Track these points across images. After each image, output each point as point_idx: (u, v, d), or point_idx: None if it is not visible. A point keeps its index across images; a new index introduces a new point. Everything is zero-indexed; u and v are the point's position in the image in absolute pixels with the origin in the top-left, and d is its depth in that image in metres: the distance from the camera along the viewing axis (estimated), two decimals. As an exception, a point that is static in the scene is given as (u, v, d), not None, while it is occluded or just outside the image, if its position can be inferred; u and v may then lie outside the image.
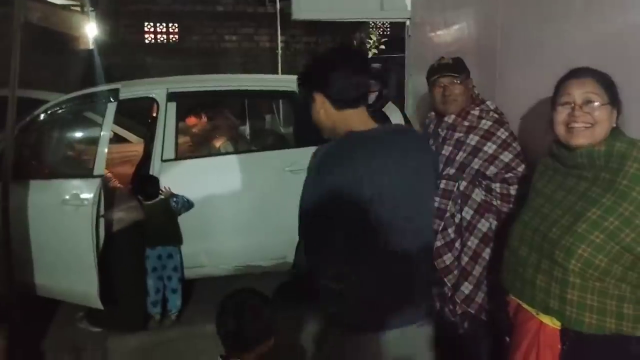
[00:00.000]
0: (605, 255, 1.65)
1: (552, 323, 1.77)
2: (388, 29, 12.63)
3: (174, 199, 3.81)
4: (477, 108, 2.65)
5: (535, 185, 1.97)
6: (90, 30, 11.85)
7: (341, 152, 1.71)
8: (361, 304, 1.73)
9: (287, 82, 4.08)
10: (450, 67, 2.66)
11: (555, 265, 1.72)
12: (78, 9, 12.32)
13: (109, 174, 4.09)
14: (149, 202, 3.81)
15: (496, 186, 2.52)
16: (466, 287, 2.59)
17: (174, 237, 3.86)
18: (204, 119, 4.64)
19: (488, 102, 2.67)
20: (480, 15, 3.13)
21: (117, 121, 5.88)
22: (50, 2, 11.13)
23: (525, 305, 1.86)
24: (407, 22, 4.17)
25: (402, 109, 3.97)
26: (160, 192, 3.80)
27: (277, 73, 9.47)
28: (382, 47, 10.74)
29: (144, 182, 3.88)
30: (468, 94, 2.67)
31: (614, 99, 1.75)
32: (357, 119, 1.81)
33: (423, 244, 1.82)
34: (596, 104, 1.74)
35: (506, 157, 2.53)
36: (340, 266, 1.70)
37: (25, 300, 3.63)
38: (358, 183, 1.64)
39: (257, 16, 12.24)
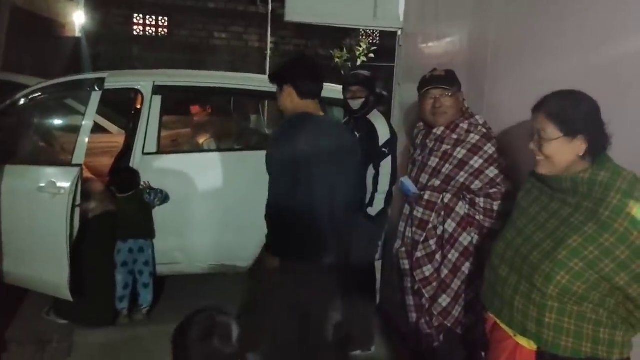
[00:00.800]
0: (583, 282, 1.66)
1: (528, 345, 1.78)
2: (378, 38, 12.66)
3: (147, 191, 3.75)
4: (466, 122, 2.65)
5: (520, 203, 1.97)
6: (78, 18, 11.69)
7: (296, 122, 2.50)
8: (288, 238, 2.43)
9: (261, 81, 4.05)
10: (443, 79, 2.66)
11: (534, 289, 1.73)
12: (67, -5, 12.16)
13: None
14: (123, 195, 3.74)
15: (480, 201, 2.53)
16: (444, 300, 2.58)
17: (146, 231, 3.80)
18: (208, 110, 4.56)
19: (477, 117, 2.67)
20: (472, 30, 3.13)
21: (98, 111, 5.83)
22: (38, -14, 10.95)
23: (503, 325, 1.87)
24: (399, 32, 4.16)
25: (388, 117, 3.96)
26: (142, 186, 3.75)
27: (265, 73, 9.42)
28: (372, 55, 10.75)
29: (122, 174, 3.80)
30: (458, 107, 2.67)
31: (570, 129, 1.72)
32: (312, 107, 2.56)
33: (339, 201, 2.49)
34: (545, 139, 1.75)
35: (492, 172, 2.53)
36: (278, 207, 2.42)
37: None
38: (302, 147, 2.39)
39: (248, 15, 12.20)
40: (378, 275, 3.80)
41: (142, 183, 3.77)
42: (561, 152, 1.73)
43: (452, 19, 3.37)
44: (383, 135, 3.39)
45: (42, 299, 3.75)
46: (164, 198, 3.77)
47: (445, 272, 2.58)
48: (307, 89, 2.55)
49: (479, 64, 2.96)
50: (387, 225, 3.65)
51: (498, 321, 1.89)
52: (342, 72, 11.00)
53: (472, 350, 2.62)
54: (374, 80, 3.61)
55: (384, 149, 3.41)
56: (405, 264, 2.76)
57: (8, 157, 3.72)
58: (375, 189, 3.42)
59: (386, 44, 10.84)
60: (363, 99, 3.44)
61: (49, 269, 3.43)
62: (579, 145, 1.71)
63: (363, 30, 11.33)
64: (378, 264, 3.89)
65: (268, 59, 9.64)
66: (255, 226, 3.69)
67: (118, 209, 3.78)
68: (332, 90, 3.92)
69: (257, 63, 10.91)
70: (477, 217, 2.53)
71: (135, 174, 3.78)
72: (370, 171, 3.47)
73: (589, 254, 1.63)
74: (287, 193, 2.38)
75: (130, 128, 4.34)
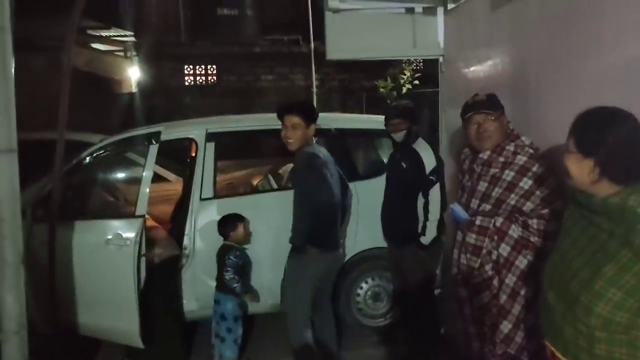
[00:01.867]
0: (626, 311, 1.59)
1: None
2: (421, 64, 12.68)
3: (231, 258, 3.75)
4: (512, 144, 2.64)
5: (565, 223, 1.91)
6: (133, 74, 12.33)
7: (323, 155, 3.48)
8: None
9: (323, 119, 4.14)
10: (484, 103, 2.67)
11: (578, 320, 1.67)
12: (121, 54, 12.86)
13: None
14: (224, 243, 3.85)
15: (533, 222, 2.50)
16: (505, 326, 2.54)
17: (223, 284, 3.78)
18: None
19: (523, 138, 2.66)
20: (512, 52, 3.13)
21: (157, 161, 6.08)
22: (94, 48, 11.65)
23: (559, 354, 1.80)
24: (440, 59, 4.20)
25: (435, 144, 3.97)
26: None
27: (313, 110, 9.57)
28: (416, 82, 10.76)
29: (227, 219, 3.90)
30: (503, 130, 2.67)
31: (583, 148, 1.68)
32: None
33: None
34: (566, 151, 1.74)
35: (542, 192, 2.50)
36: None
37: (70, 340, 3.73)
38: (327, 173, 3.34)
39: (292, 56, 12.52)
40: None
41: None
42: (576, 168, 1.68)
43: (492, 43, 3.39)
44: (429, 163, 3.41)
45: (116, 348, 3.89)
46: (241, 271, 3.80)
47: (504, 297, 2.54)
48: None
49: (522, 85, 2.96)
50: (442, 253, 3.63)
51: (554, 349, 1.82)
52: (388, 102, 11.08)
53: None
54: (414, 109, 3.65)
55: (431, 177, 3.42)
56: (463, 291, 2.74)
57: (77, 213, 3.96)
58: (426, 217, 3.42)
59: (429, 70, 10.87)
60: (405, 131, 3.51)
61: (120, 318, 3.57)
62: (590, 167, 1.65)
63: (406, 59, 11.40)
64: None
65: (315, 96, 9.80)
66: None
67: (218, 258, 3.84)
68: (380, 121, 3.97)
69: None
70: (532, 239, 2.50)
71: (229, 221, 3.87)
72: (420, 200, 3.48)
73: (626, 282, 1.56)
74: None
75: (187, 175, 4.52)
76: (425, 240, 3.42)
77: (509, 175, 2.59)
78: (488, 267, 2.58)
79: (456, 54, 3.97)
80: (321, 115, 3.76)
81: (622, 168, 1.62)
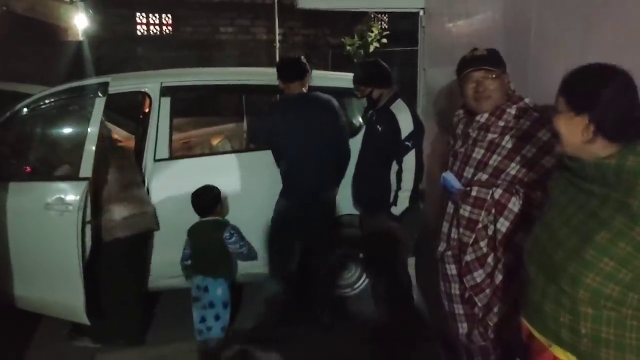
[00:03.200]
0: (617, 283, 1.46)
1: (566, 358, 1.58)
2: (388, 22, 12.25)
3: (231, 232, 3.41)
4: (514, 106, 2.35)
5: (551, 193, 1.75)
6: (79, 22, 11.47)
7: (274, 106, 3.95)
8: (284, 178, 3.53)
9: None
10: (485, 59, 2.36)
11: (562, 293, 1.55)
12: (66, -1, 11.94)
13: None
14: (202, 219, 3.45)
15: (537, 195, 2.22)
16: (500, 309, 2.30)
17: (214, 267, 3.42)
18: None
19: (527, 100, 2.36)
20: (510, 7, 2.82)
21: (105, 116, 5.60)
22: (37, -8, 10.74)
23: (536, 334, 1.66)
24: (421, 12, 3.86)
25: (413, 105, 3.69)
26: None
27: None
28: (384, 40, 10.39)
29: (200, 193, 3.46)
30: (504, 90, 2.37)
31: (575, 104, 1.56)
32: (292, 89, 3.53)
33: (318, 158, 3.47)
34: (556, 113, 1.63)
35: (548, 162, 2.21)
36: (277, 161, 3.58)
37: (5, 314, 3.35)
38: (276, 122, 3.51)
39: (254, 7, 11.88)
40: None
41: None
42: (567, 129, 1.56)
43: (485, -7, 3.06)
44: (405, 127, 3.14)
45: (59, 322, 3.52)
46: (249, 256, 3.50)
47: (500, 277, 2.29)
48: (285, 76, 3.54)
49: (521, 45, 2.65)
50: (418, 225, 3.39)
51: (532, 329, 1.68)
52: (355, 60, 10.68)
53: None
54: (382, 69, 3.36)
55: (406, 143, 3.15)
56: (452, 269, 2.47)
57: (11, 173, 3.50)
58: (398, 187, 3.17)
59: (398, 27, 10.50)
60: (366, 96, 3.35)
61: (63, 292, 3.21)
62: (583, 125, 1.52)
63: (373, 14, 10.95)
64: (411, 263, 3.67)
65: (277, 51, 9.33)
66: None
67: (190, 236, 3.46)
68: (347, 79, 3.66)
69: (266, 56, 10.61)
70: (534, 214, 2.23)
71: (214, 193, 3.47)
72: (394, 167, 3.21)
73: (621, 250, 1.45)
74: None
75: (140, 133, 4.09)
76: (396, 210, 3.18)
77: (509, 141, 2.30)
78: (483, 244, 2.31)
79: (440, 6, 3.65)
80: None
81: (617, 123, 1.50)
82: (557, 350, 1.59)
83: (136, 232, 3.38)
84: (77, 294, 3.17)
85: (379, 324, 3.50)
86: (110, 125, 5.50)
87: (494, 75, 2.33)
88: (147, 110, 3.85)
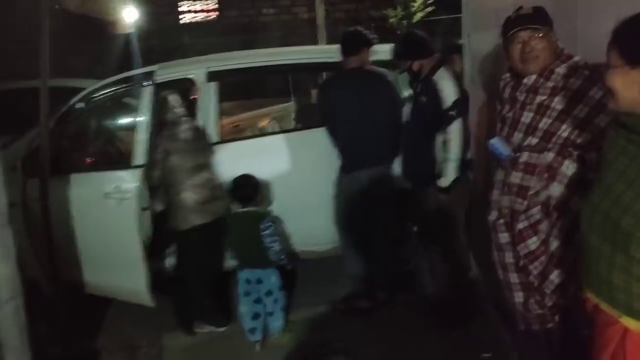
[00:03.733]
0: None
1: (639, 328, 1.47)
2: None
3: (268, 224, 3.25)
4: (564, 65, 2.25)
5: (605, 155, 1.62)
6: (128, 14, 11.73)
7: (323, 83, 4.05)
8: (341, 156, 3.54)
9: (331, 52, 3.76)
10: (531, 17, 2.26)
11: (633, 261, 1.44)
12: (115, -7, 12.22)
13: None
14: (241, 210, 3.33)
15: (591, 156, 2.14)
16: (557, 276, 2.24)
17: (263, 258, 3.28)
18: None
19: (576, 58, 2.26)
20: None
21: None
22: (87, -11, 11.04)
23: (604, 306, 1.56)
24: (464, -24, 3.73)
25: (459, 73, 3.59)
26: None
27: (317, 44, 9.09)
28: (429, 9, 10.11)
29: (238, 184, 3.35)
30: (552, 50, 2.27)
31: (632, 56, 1.46)
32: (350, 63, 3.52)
33: (369, 129, 3.45)
34: (609, 68, 1.53)
35: (602, 120, 2.11)
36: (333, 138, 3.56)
37: (78, 298, 3.52)
38: (328, 97, 3.59)
39: (294, -14, 11.83)
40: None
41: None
42: (622, 84, 1.46)
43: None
44: (449, 96, 3.06)
45: (127, 305, 3.66)
46: (278, 251, 3.27)
47: (555, 243, 2.23)
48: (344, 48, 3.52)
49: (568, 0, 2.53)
50: (469, 195, 3.33)
51: (598, 301, 1.58)
52: (399, 32, 10.46)
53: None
54: (412, 44, 3.31)
55: (450, 112, 3.07)
56: (505, 237, 2.42)
57: (74, 165, 3.66)
58: (444, 158, 3.10)
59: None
60: (407, 69, 3.31)
61: (127, 276, 3.35)
62: None
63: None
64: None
65: (319, 29, 9.25)
66: (326, 207, 3.52)
67: (231, 228, 3.37)
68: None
69: (309, 35, 10.54)
70: (589, 176, 2.15)
71: (253, 183, 3.36)
72: (439, 138, 3.15)
73: None
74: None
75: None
76: (444, 182, 3.12)
77: (559, 102, 2.21)
78: (536, 210, 2.25)
79: (483, -32, 3.51)
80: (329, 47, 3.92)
81: None
82: (629, 322, 1.50)
83: (210, 219, 3.33)
84: (140, 277, 3.31)
85: (436, 297, 3.48)
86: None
87: (541, 34, 2.24)
88: (194, 96, 3.91)
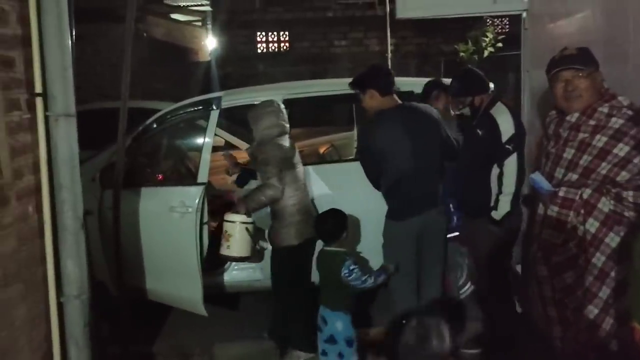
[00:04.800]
0: None
1: None
2: (507, 25, 11.86)
3: (350, 268, 2.93)
4: (607, 105, 2.29)
5: None
6: (208, 43, 12.42)
7: (371, 123, 3.30)
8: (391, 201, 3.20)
9: (400, 84, 3.87)
10: (574, 58, 2.33)
11: None
12: (199, 23, 12.97)
13: None
14: (326, 249, 3.10)
15: (629, 194, 2.17)
16: (591, 311, 2.25)
17: (333, 299, 3.02)
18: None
19: (620, 98, 2.30)
20: (609, 2, 2.74)
21: (228, 128, 6.04)
22: (173, 18, 11.82)
23: None
24: (524, 14, 3.81)
25: (517, 108, 3.64)
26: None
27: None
28: (499, 44, 10.09)
29: (322, 219, 3.17)
30: (595, 89, 2.33)
31: None
32: (387, 103, 3.16)
33: (423, 170, 3.13)
34: None
35: (642, 160, 2.15)
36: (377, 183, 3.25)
37: (140, 303, 3.73)
38: (373, 139, 3.17)
39: (366, 20, 12.11)
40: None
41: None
42: None
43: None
44: (506, 130, 3.10)
45: (184, 313, 3.83)
46: (373, 283, 3.00)
47: (590, 279, 2.24)
48: (384, 88, 3.16)
49: (620, 40, 2.58)
50: (520, 227, 3.33)
51: None
52: (469, 66, 10.41)
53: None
54: (472, 81, 3.34)
55: (507, 146, 3.12)
56: (543, 270, 2.46)
57: (145, 179, 3.97)
58: (500, 190, 3.13)
59: (515, 31, 10.13)
60: (468, 105, 3.28)
61: (184, 285, 3.55)
62: None
63: (488, 18, 10.69)
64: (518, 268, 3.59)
65: (389, 61, 9.42)
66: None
67: (317, 264, 3.18)
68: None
69: (380, 67, 10.77)
70: (627, 214, 2.17)
71: (338, 219, 3.11)
72: (495, 170, 3.20)
73: None
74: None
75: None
76: (497, 215, 3.13)
77: (600, 140, 2.26)
78: (573, 244, 2.29)
79: (542, 7, 3.59)
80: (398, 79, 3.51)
81: None
82: None
83: (304, 240, 3.28)
84: (196, 287, 3.51)
85: (483, 328, 3.47)
86: (229, 137, 5.98)
87: (583, 74, 2.30)
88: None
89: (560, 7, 3.28)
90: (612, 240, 2.19)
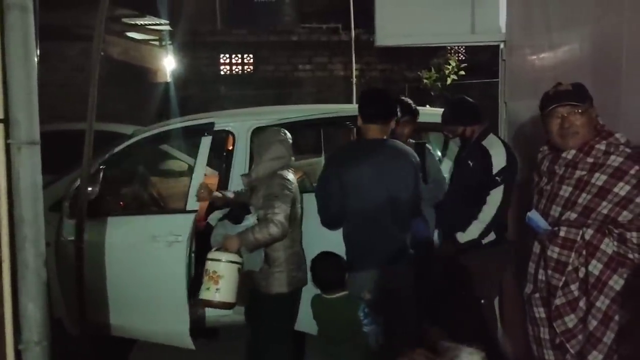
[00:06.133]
0: None
1: None
2: (465, 54, 12.13)
3: (365, 311, 2.80)
4: (604, 142, 2.24)
5: None
6: (168, 63, 12.16)
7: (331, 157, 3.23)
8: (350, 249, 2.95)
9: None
10: (570, 94, 2.28)
11: None
12: (157, 43, 12.70)
13: None
14: (329, 297, 2.92)
15: (632, 235, 2.11)
16: (595, 357, 2.16)
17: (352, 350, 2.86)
18: None
19: (617, 135, 2.25)
20: (597, 35, 2.73)
21: (189, 152, 5.86)
22: (130, 37, 11.52)
23: None
24: (502, 45, 3.80)
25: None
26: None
27: (352, 102, 9.26)
28: (462, 72, 10.29)
29: (323, 267, 2.96)
30: (591, 125, 2.28)
31: None
32: (368, 132, 2.95)
33: (389, 214, 2.87)
34: None
35: (644, 200, 2.10)
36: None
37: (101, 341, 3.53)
38: (335, 175, 2.90)
39: (331, 45, 12.15)
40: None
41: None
42: None
43: (570, 25, 2.98)
44: (498, 163, 3.05)
45: (147, 349, 3.66)
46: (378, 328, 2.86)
47: (594, 323, 2.16)
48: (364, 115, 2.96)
49: (610, 72, 2.55)
50: (507, 262, 3.26)
51: None
52: (432, 93, 10.60)
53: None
54: (471, 106, 3.30)
55: (497, 177, 3.06)
56: (541, 312, 2.37)
57: (112, 208, 3.75)
58: (475, 216, 3.06)
59: (476, 59, 10.37)
60: (459, 135, 3.25)
61: (169, 318, 3.34)
62: None
63: (450, 47, 10.90)
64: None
65: (354, 87, 9.44)
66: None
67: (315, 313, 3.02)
68: (431, 114, 3.63)
69: (344, 92, 10.78)
70: (630, 256, 2.11)
71: (341, 265, 2.94)
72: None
73: None
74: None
75: (224, 169, 4.23)
76: (462, 237, 3.06)
77: (599, 179, 2.19)
78: (574, 287, 2.21)
79: (522, 38, 3.57)
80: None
81: None
82: None
83: (294, 289, 3.05)
84: (183, 319, 3.29)
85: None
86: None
87: (580, 110, 2.25)
88: (230, 147, 3.98)
89: (542, 39, 3.26)
90: (616, 283, 2.13)
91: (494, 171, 3.03)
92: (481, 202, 3.06)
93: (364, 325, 2.82)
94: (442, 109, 3.48)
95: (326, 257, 2.98)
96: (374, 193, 2.84)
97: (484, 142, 3.14)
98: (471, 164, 3.15)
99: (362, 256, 2.90)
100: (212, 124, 3.67)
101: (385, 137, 2.98)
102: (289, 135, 3.19)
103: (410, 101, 3.63)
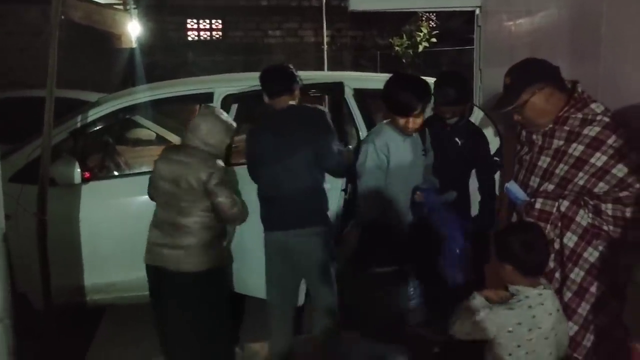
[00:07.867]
0: None
1: None
2: (437, 21, 12.02)
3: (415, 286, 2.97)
4: (579, 113, 2.18)
5: None
6: (133, 28, 11.74)
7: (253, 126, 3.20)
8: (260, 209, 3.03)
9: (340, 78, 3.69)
10: (503, 98, 2.28)
11: None
12: (120, 7, 12.24)
13: None
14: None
15: (607, 207, 2.09)
16: (570, 328, 2.16)
17: None
18: None
19: (594, 105, 2.18)
20: (578, 1, 2.67)
21: (160, 122, 5.70)
22: (92, 1, 11.05)
23: None
24: (477, 11, 3.73)
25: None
26: None
27: (323, 68, 9.12)
28: (434, 40, 10.21)
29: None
30: (552, 104, 2.20)
31: None
32: (276, 104, 2.95)
33: (290, 180, 2.88)
34: None
35: (620, 171, 2.07)
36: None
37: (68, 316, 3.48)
38: (248, 142, 3.06)
39: (302, 10, 11.90)
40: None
41: None
42: None
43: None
44: (494, 141, 2.99)
45: (116, 328, 3.62)
46: None
47: (568, 295, 2.16)
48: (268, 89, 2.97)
49: (590, 39, 2.50)
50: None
51: None
52: (404, 60, 10.52)
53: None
54: (467, 87, 3.12)
55: (496, 158, 3.01)
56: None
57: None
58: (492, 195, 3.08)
59: (448, 26, 10.30)
60: (457, 116, 2.99)
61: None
62: None
63: (422, 14, 10.77)
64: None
65: (325, 53, 9.29)
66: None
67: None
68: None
69: (314, 58, 10.60)
70: (605, 228, 2.10)
71: None
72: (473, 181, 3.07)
73: None
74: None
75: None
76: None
77: (577, 149, 2.15)
78: (550, 259, 2.19)
79: (498, 4, 3.52)
80: (337, 73, 3.31)
81: None
82: None
83: (209, 268, 2.91)
84: None
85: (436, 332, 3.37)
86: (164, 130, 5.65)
87: (515, 108, 2.23)
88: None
89: (519, 4, 3.20)
90: (591, 254, 2.12)
91: (492, 151, 3.00)
92: (467, 182, 3.05)
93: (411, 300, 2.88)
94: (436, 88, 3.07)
95: None
96: (269, 160, 2.92)
97: (475, 121, 3.07)
98: (460, 143, 3.02)
99: (263, 218, 3.00)
100: (212, 94, 3.59)
101: (292, 105, 2.95)
102: None
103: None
